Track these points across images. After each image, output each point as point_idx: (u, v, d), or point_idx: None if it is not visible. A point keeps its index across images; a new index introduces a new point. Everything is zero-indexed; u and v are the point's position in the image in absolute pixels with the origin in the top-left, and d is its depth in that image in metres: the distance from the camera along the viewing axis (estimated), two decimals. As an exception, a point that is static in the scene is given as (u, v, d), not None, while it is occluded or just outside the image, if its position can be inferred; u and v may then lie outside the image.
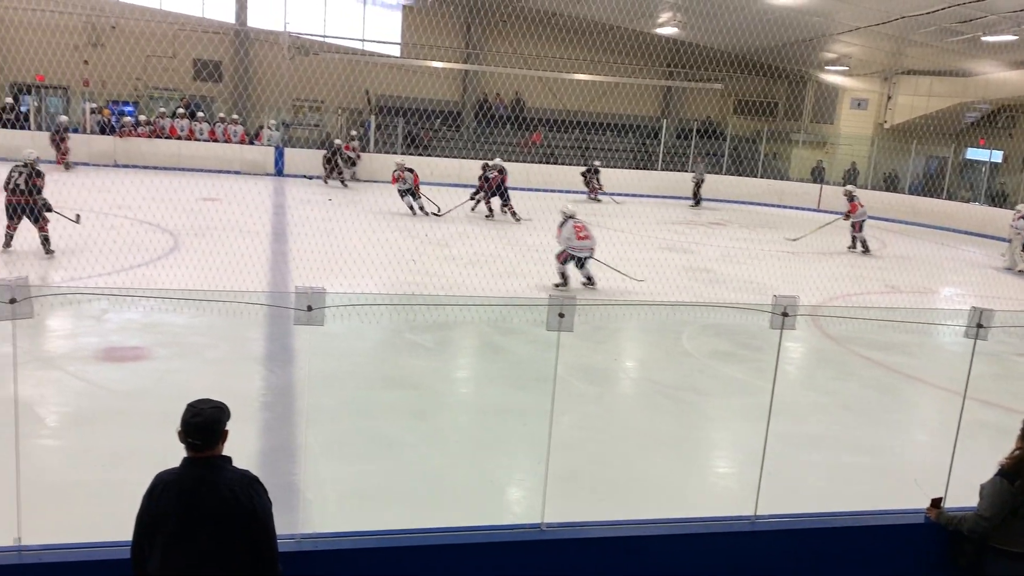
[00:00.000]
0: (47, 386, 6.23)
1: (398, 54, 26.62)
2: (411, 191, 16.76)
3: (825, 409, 7.31)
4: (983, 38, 19.49)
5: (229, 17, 25.51)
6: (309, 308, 3.44)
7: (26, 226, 10.45)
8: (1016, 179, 23.15)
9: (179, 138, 22.51)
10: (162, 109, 23.54)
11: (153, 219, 13.38)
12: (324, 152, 21.71)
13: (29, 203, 10.20)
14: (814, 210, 23.68)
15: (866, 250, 16.14)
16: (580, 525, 3.77)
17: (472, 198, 17.88)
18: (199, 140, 22.69)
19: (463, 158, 23.98)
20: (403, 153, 23.62)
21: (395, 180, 16.98)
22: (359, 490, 5.07)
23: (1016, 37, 18.92)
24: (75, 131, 22.15)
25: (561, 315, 3.55)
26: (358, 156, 22.48)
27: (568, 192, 21.48)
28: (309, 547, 3.29)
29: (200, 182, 18.82)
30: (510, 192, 17.62)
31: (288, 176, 22.15)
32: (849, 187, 17.30)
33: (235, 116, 24.05)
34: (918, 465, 5.92)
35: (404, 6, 26.99)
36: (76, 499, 4.54)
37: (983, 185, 23.54)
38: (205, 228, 13.22)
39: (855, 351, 9.03)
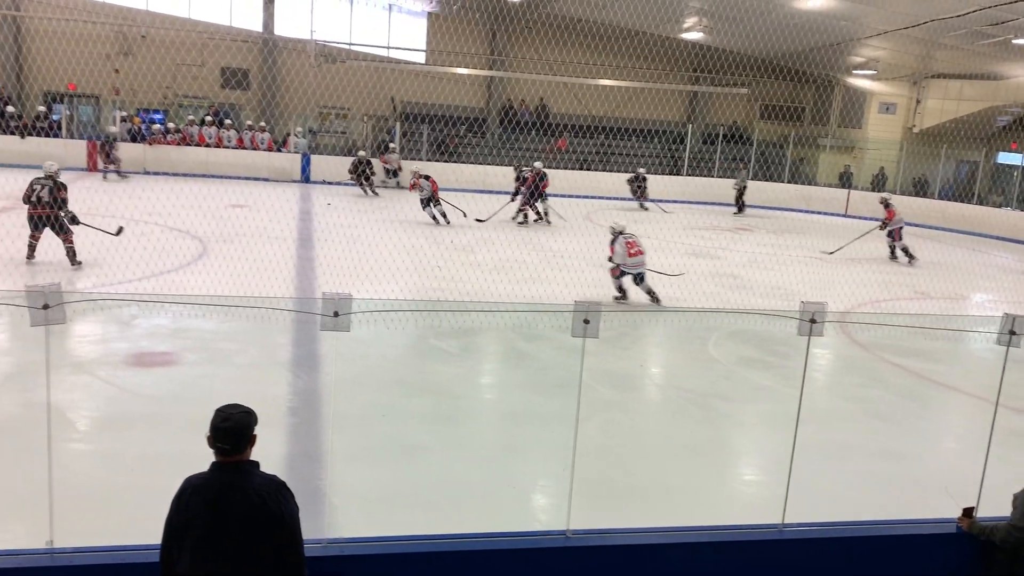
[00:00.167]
0: (78, 391, 6.32)
1: (423, 61, 26.77)
2: (431, 199, 16.60)
3: (853, 416, 7.22)
4: (1014, 41, 19.23)
5: (257, 26, 25.79)
6: (336, 314, 3.47)
7: (49, 235, 10.50)
8: (1049, 183, 22.81)
9: (207, 145, 22.77)
10: (191, 117, 23.84)
11: (182, 226, 13.52)
12: (353, 161, 21.64)
13: (53, 215, 10.17)
14: (842, 215, 23.48)
15: (911, 258, 15.39)
16: (606, 532, 3.76)
17: (515, 202, 17.83)
18: (227, 147, 22.94)
19: (488, 164, 24.06)
20: (428, 159, 23.73)
21: (412, 187, 16.93)
22: (384, 495, 5.08)
23: (1049, 39, 18.66)
24: (122, 140, 22.52)
25: (586, 321, 3.55)
26: (399, 167, 22.46)
27: (595, 198, 21.48)
28: (336, 552, 3.30)
29: (228, 189, 19.04)
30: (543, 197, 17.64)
31: (315, 183, 22.31)
32: (884, 195, 16.93)
33: (262, 123, 24.30)
34: (949, 474, 5.83)
35: (429, 13, 27.14)
36: (106, 502, 4.59)
37: (1015, 190, 23.19)
38: (233, 234, 13.34)
39: (884, 358, 8.92)
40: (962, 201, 22.80)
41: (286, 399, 6.52)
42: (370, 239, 13.90)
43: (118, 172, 20.12)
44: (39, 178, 10.29)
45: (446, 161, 24.23)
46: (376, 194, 20.78)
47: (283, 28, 25.68)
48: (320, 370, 7.27)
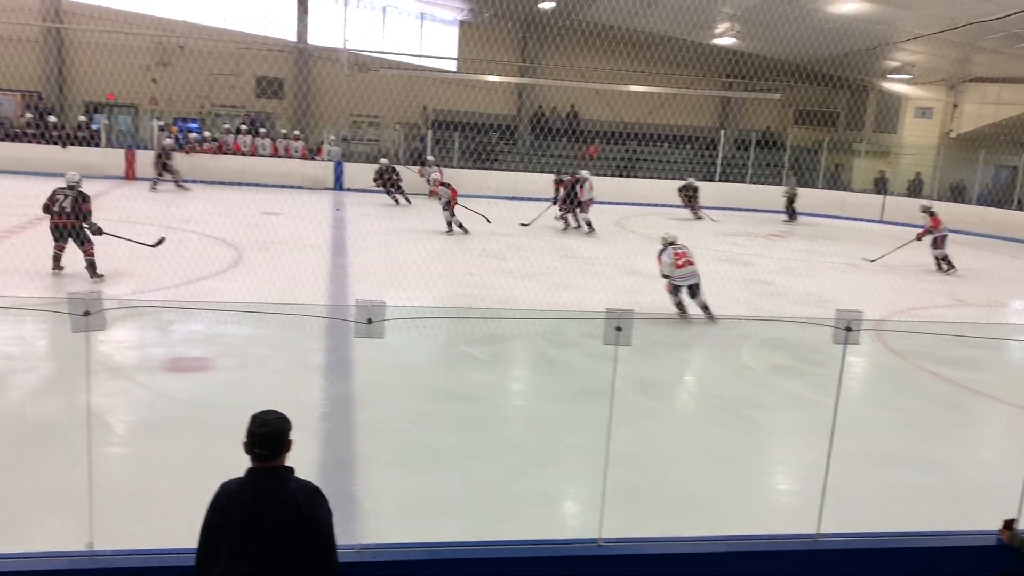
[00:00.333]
0: (116, 396, 6.43)
1: (454, 69, 26.92)
2: (448, 206, 16.30)
3: (889, 425, 7.12)
4: (1055, 43, 18.88)
5: (291, 35, 26.11)
6: (369, 321, 3.50)
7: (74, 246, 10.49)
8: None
9: (242, 154, 23.08)
10: (226, 126, 24.19)
11: (217, 233, 13.71)
12: (377, 169, 21.26)
13: (75, 226, 10.02)
14: (877, 221, 23.17)
15: (950, 267, 14.95)
16: (638, 541, 3.75)
17: (561, 209, 17.84)
18: (261, 156, 23.23)
19: (519, 171, 24.11)
20: (460, 167, 23.82)
21: (432, 195, 16.87)
22: (416, 501, 5.10)
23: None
24: (142, 148, 22.91)
25: (619, 328, 3.54)
26: (441, 176, 22.28)
27: (626, 204, 21.40)
28: (369, 557, 3.32)
29: (262, 197, 19.28)
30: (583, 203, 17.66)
31: (347, 190, 22.48)
32: (925, 202, 16.60)
33: (296, 132, 24.57)
34: (988, 484, 5.72)
35: (461, 22, 27.30)
36: (143, 506, 4.66)
37: (1056, 195, 22.75)
38: (267, 242, 13.51)
39: (921, 366, 8.78)
40: (1001, 207, 22.39)
41: (319, 405, 6.58)
42: (402, 246, 13.99)
43: (177, 183, 20.15)
44: (61, 188, 10.17)
45: (478, 168, 24.32)
46: (408, 202, 20.57)
47: (317, 37, 25.98)
48: (352, 376, 7.33)
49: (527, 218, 17.65)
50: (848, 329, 3.87)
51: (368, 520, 4.73)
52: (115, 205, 17.04)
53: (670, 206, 21.80)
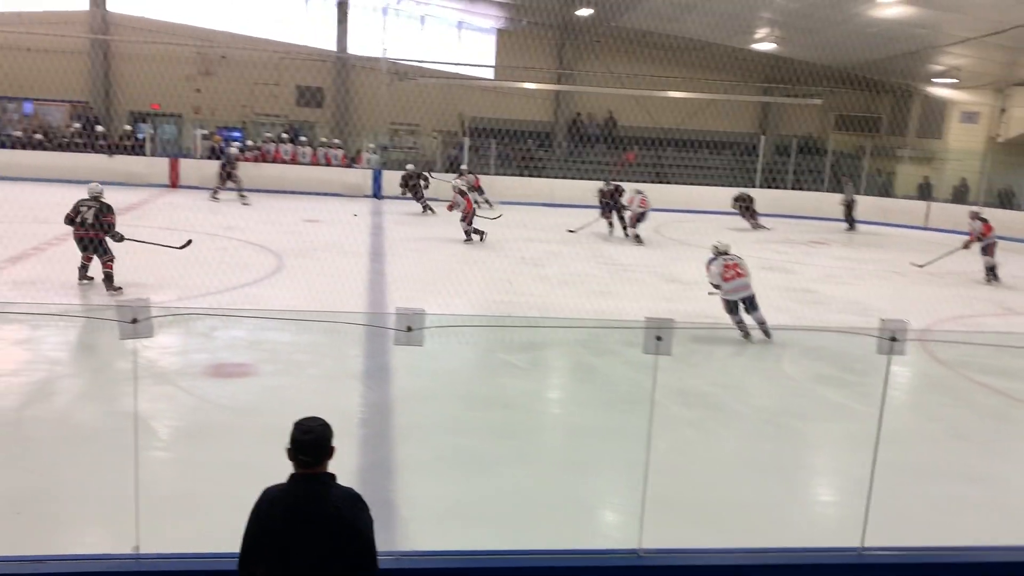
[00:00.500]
0: (160, 401, 6.53)
1: (492, 77, 27.02)
2: (464, 216, 16.03)
3: (935, 437, 6.97)
4: (1107, 45, 18.41)
5: (331, 45, 26.43)
6: (409, 329, 3.52)
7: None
8: None
9: (283, 162, 23.38)
10: (267, 134, 24.54)
11: (259, 240, 13.90)
12: (403, 175, 20.86)
13: (97, 237, 9.98)
14: (921, 228, 22.73)
15: (995, 277, 14.52)
16: (679, 552, 3.72)
17: (604, 216, 17.86)
18: (302, 164, 23.52)
19: (556, 178, 24.10)
20: (496, 174, 23.88)
21: (449, 208, 16.38)
22: (454, 508, 5.11)
23: None
24: (186, 156, 23.31)
25: (659, 338, 3.52)
26: (476, 182, 22.21)
27: (664, 211, 21.20)
28: (408, 564, 3.34)
29: (303, 204, 19.56)
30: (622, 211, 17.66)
31: (386, 198, 22.64)
32: (975, 208, 16.19)
33: (336, 140, 24.84)
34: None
35: (498, 30, 27.41)
36: (187, 510, 4.73)
37: (1109, 201, 22.14)
38: (308, 249, 13.66)
39: (968, 377, 8.59)
40: (1051, 213, 21.86)
41: (358, 411, 6.62)
42: (439, 253, 14.06)
43: (240, 192, 20.17)
44: (85, 200, 10.15)
45: (514, 175, 24.37)
46: (432, 211, 19.78)
47: (356, 47, 26.28)
48: (391, 382, 7.37)
49: (574, 225, 17.65)
50: (893, 339, 3.80)
51: (406, 527, 4.74)
52: (160, 213, 17.37)
53: (709, 212, 21.64)
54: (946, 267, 14.96)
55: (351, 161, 24.24)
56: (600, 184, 18.25)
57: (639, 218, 17.30)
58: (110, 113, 25.31)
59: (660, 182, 24.44)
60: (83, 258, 10.25)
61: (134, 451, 3.48)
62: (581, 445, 6.37)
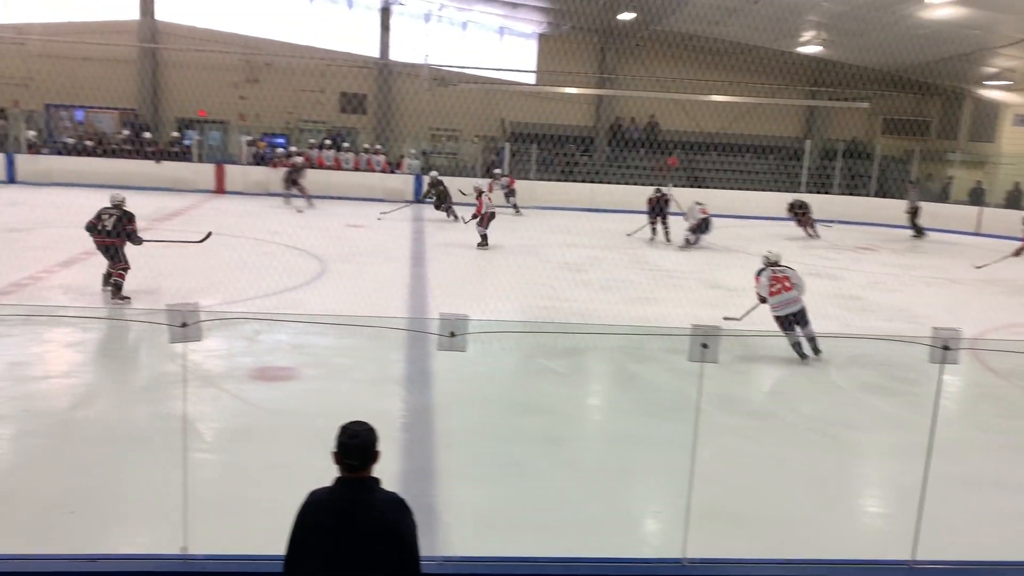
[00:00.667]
0: (206, 403, 6.63)
1: (533, 82, 27.04)
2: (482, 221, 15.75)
3: (990, 448, 6.79)
4: None
5: (374, 52, 26.69)
6: (452, 334, 3.53)
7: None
8: None
9: (326, 168, 23.63)
10: (311, 140, 24.84)
11: (303, 245, 14.06)
12: (428, 182, 20.42)
13: (113, 245, 9.91)
14: (973, 234, 22.21)
15: None
16: (723, 562, 3.66)
17: (650, 222, 17.81)
18: (344, 169, 23.75)
19: (597, 182, 24.01)
20: (536, 179, 23.88)
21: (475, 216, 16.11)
22: (494, 514, 5.10)
23: None
24: (231, 162, 23.66)
25: (705, 345, 3.48)
26: (511, 184, 22.23)
27: (709, 216, 20.97)
28: (451, 570, 3.34)
29: (345, 209, 19.75)
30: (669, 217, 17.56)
31: (427, 202, 22.73)
32: None
33: (377, 146, 25.06)
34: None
35: (540, 35, 27.44)
36: (232, 511, 4.79)
37: None
38: (350, 254, 13.79)
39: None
40: (1109, 219, 21.18)
41: (400, 415, 6.65)
42: (480, 258, 14.09)
43: (307, 198, 20.25)
44: (107, 208, 10.12)
45: (555, 180, 24.34)
46: (455, 217, 19.09)
47: (398, 53, 26.49)
48: (432, 387, 7.39)
49: (630, 228, 17.80)
50: (946, 348, 3.71)
51: (448, 532, 4.74)
52: (205, 218, 17.67)
53: (753, 218, 21.37)
54: (998, 274, 14.61)
55: (393, 167, 24.42)
56: (658, 191, 18.12)
57: (700, 227, 17.05)
58: (158, 120, 25.84)
59: (696, 186, 24.19)
60: (108, 265, 10.21)
61: (182, 453, 3.53)
62: (622, 452, 6.32)
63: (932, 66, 22.50)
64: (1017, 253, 14.65)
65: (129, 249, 10.03)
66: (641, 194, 18.69)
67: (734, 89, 23.92)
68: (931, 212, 23.24)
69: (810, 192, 24.30)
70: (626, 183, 23.31)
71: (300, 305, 9.83)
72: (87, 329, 8.66)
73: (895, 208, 22.95)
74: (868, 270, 15.47)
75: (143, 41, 25.36)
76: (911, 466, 4.35)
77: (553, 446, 6.35)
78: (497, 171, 21.93)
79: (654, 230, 17.70)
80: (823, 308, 10.88)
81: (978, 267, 14.84)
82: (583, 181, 24.26)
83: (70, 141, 23.77)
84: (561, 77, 25.99)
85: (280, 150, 23.84)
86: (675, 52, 24.21)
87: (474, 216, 15.71)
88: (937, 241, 20.71)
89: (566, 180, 24.60)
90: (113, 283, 9.81)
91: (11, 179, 21.99)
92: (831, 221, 21.48)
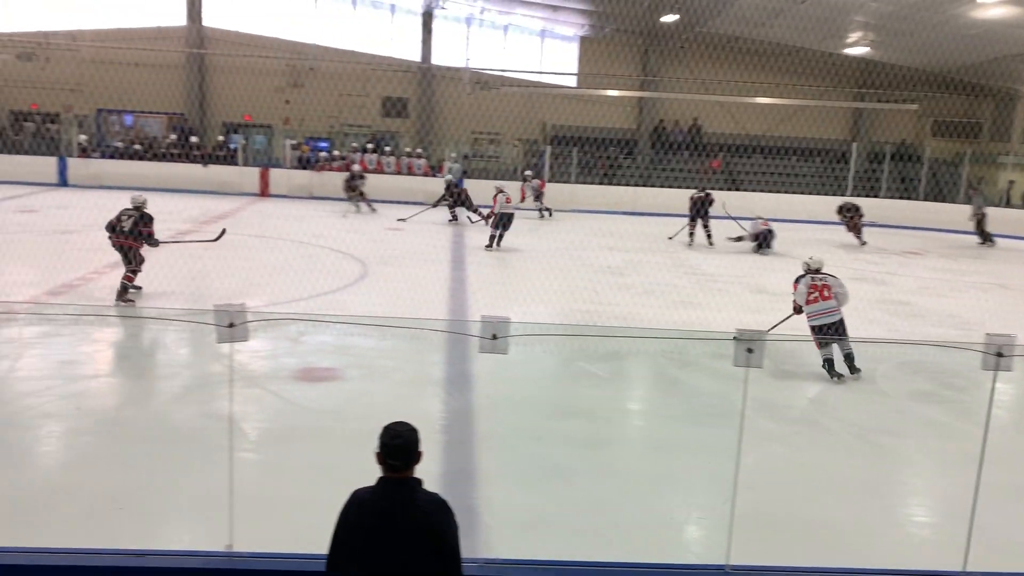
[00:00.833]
0: (250, 403, 6.71)
1: (574, 84, 27.01)
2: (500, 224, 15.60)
3: (1045, 459, 6.59)
4: None
5: (415, 56, 26.88)
6: (494, 337, 3.52)
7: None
8: None
9: (368, 171, 23.83)
10: (353, 144, 25.10)
11: (345, 248, 14.19)
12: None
13: (128, 246, 9.93)
14: (1025, 238, 21.67)
15: None
16: (768, 569, 3.60)
17: (690, 226, 17.73)
18: (386, 173, 23.94)
19: (639, 186, 23.88)
20: (577, 182, 23.83)
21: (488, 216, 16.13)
22: (534, 517, 5.09)
23: None
24: (276, 166, 23.99)
25: (750, 350, 3.43)
26: (542, 186, 22.12)
27: (753, 219, 20.75)
28: (493, 572, 3.33)
29: (386, 212, 19.90)
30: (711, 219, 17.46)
31: (443, 205, 22.73)
32: None
33: (419, 150, 25.22)
34: None
35: (581, 37, 27.40)
36: (275, 510, 4.84)
37: None
38: (390, 256, 13.88)
39: (1079, 396, 8.11)
40: None
41: (440, 417, 6.67)
42: (519, 261, 14.09)
43: (368, 203, 20.43)
44: (127, 209, 10.16)
45: (596, 184, 24.27)
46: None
47: (440, 57, 26.67)
48: (472, 389, 7.40)
49: (672, 232, 17.73)
50: (999, 355, 3.61)
51: (489, 534, 4.74)
52: (250, 220, 17.94)
53: (797, 221, 21.05)
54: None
55: (433, 170, 24.56)
56: (700, 192, 17.97)
57: (761, 239, 16.85)
58: (205, 124, 26.33)
59: (733, 189, 23.91)
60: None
61: (228, 452, 3.58)
62: (664, 457, 6.27)
63: (983, 66, 21.99)
64: None
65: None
66: (685, 197, 18.51)
67: (779, 91, 23.63)
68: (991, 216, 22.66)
69: (856, 195, 23.91)
70: (669, 186, 23.14)
71: (343, 307, 9.92)
72: (135, 329, 8.84)
73: (945, 212, 22.48)
74: (917, 275, 15.16)
75: (191, 47, 25.86)
76: (960, 475, 4.26)
77: (594, 450, 6.31)
78: (527, 173, 21.94)
79: (691, 233, 17.51)
80: (870, 313, 10.71)
81: None
82: (625, 184, 24.15)
83: (120, 145, 24.34)
84: (603, 79, 25.91)
85: (323, 153, 24.12)
86: (719, 54, 24.00)
87: (487, 216, 15.68)
88: (989, 245, 20.22)
89: (608, 183, 24.52)
90: (121, 285, 9.86)
91: (63, 182, 22.58)
92: (877, 224, 21.06)
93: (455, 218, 19.25)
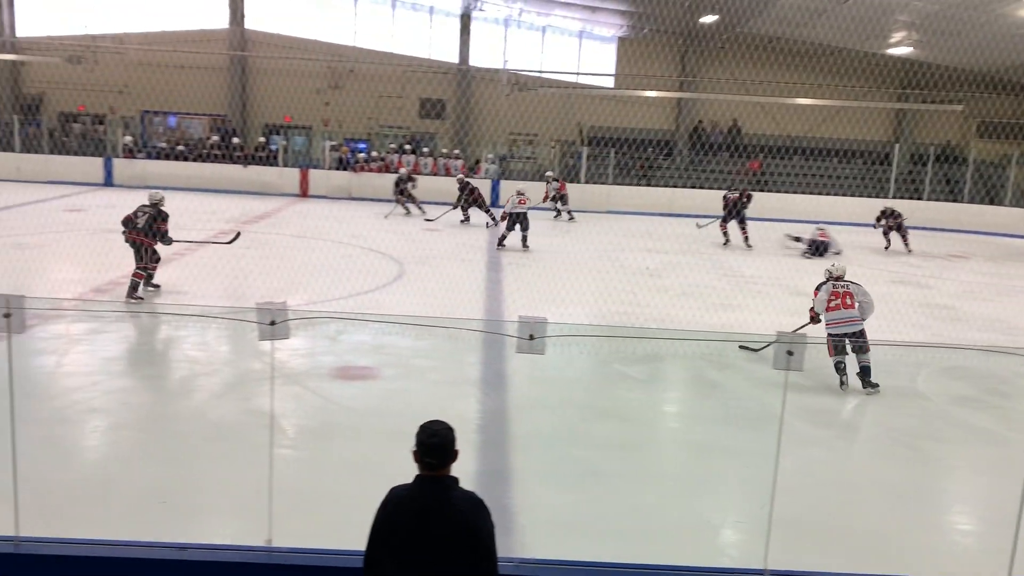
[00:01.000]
0: (289, 400, 6.80)
1: (612, 85, 26.92)
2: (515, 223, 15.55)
3: (1093, 468, 6.43)
4: None
5: (453, 58, 27.00)
6: (531, 337, 3.53)
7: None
8: None
9: (421, 174, 23.90)
10: (391, 145, 25.27)
11: (382, 248, 14.30)
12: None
13: (141, 242, 9.98)
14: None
15: None
16: (807, 575, 3.56)
17: (723, 227, 17.62)
18: (423, 174, 24.04)
19: (676, 187, 23.73)
20: (614, 183, 23.74)
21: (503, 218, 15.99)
22: (570, 518, 5.08)
23: None
24: (315, 167, 24.23)
25: (790, 352, 3.40)
26: (562, 188, 21.70)
27: (790, 222, 20.51)
28: (528, 572, 3.34)
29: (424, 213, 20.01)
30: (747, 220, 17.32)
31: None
32: None
33: (455, 151, 25.31)
34: None
35: (619, 38, 27.30)
36: (313, 506, 4.90)
37: None
38: (426, 256, 13.97)
39: None
40: None
41: (475, 416, 6.70)
42: (555, 262, 14.08)
43: (418, 205, 20.29)
44: (144, 206, 10.24)
45: (633, 185, 24.16)
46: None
47: (478, 59, 26.75)
48: (508, 390, 7.42)
49: (703, 221, 17.75)
50: (1049, 360, 3.53)
51: (524, 534, 4.75)
52: (290, 221, 18.17)
53: (838, 224, 20.71)
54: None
55: (470, 171, 24.61)
56: (731, 192, 17.80)
57: (816, 249, 16.60)
58: (246, 126, 26.70)
59: (786, 192, 23.65)
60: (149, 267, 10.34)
61: (269, 448, 3.64)
62: (701, 460, 6.23)
63: (1032, 66, 21.50)
64: None
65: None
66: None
67: (820, 92, 23.30)
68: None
69: (899, 198, 23.51)
70: (707, 187, 22.96)
71: (380, 306, 10.00)
72: (178, 326, 9.00)
73: (991, 215, 22.03)
74: (960, 279, 14.87)
75: (233, 49, 26.25)
76: (1004, 482, 4.17)
77: (630, 452, 6.29)
78: (549, 174, 21.90)
79: (726, 232, 17.33)
80: (912, 317, 10.52)
81: None
82: (663, 185, 24.01)
83: (163, 146, 24.78)
84: (640, 80, 25.79)
85: (361, 154, 24.32)
86: (759, 54, 23.75)
87: (501, 218, 15.87)
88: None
89: (645, 184, 24.39)
90: (131, 282, 9.90)
91: (108, 182, 23.06)
92: (920, 228, 20.64)
93: (467, 219, 19.10)
